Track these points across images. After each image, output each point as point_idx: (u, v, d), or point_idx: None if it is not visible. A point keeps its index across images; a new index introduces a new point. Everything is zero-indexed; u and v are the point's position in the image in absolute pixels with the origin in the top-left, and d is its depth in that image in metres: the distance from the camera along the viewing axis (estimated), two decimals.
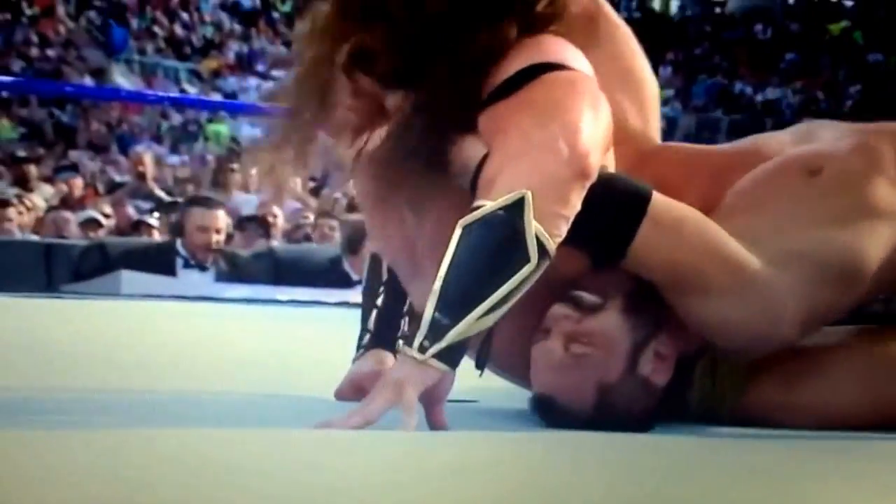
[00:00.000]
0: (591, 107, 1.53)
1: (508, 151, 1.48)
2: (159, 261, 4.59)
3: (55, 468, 0.93)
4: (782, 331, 1.63)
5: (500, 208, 1.43)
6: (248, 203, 6.82)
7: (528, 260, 1.43)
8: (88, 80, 14.39)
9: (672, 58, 18.18)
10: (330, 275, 4.46)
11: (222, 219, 4.80)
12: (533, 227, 1.43)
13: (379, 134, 1.61)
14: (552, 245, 1.45)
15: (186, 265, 4.68)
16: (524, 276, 1.43)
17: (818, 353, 1.73)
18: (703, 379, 1.73)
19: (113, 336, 2.68)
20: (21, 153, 9.05)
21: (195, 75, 15.89)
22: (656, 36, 16.57)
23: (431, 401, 1.46)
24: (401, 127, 1.58)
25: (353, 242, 4.49)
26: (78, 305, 3.33)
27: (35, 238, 5.46)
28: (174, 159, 11.37)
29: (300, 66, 1.64)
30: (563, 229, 1.47)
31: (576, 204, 1.48)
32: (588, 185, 1.49)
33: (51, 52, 14.99)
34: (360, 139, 1.62)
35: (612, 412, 1.60)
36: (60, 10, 16.37)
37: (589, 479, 1.05)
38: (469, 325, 1.41)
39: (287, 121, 1.63)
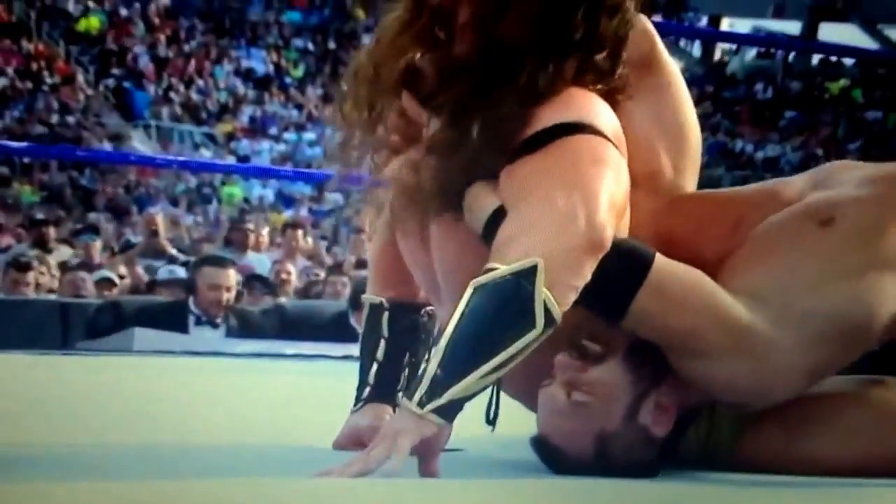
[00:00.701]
0: (613, 177, 1.54)
1: (527, 216, 1.49)
2: (172, 318, 4.60)
3: None
4: (785, 388, 1.62)
5: (512, 273, 1.44)
6: (260, 262, 6.85)
7: (533, 326, 1.44)
8: (107, 145, 14.53)
9: None
10: (337, 329, 4.48)
11: (233, 277, 4.83)
12: (542, 295, 1.44)
13: (410, 158, 1.63)
14: (559, 313, 1.45)
15: (198, 322, 4.70)
16: (528, 341, 1.44)
17: (819, 401, 1.70)
18: (700, 427, 1.70)
19: (124, 390, 2.70)
20: (40, 216, 9.10)
21: (210, 139, 16.05)
22: None
23: (427, 453, 1.45)
24: (434, 159, 1.59)
25: (360, 298, 4.51)
26: (91, 362, 3.35)
27: (51, 297, 5.49)
28: (189, 220, 11.44)
29: (356, 77, 1.66)
30: (572, 298, 1.47)
31: (587, 275, 1.48)
32: (601, 256, 1.50)
33: (70, 119, 15.17)
34: (393, 160, 1.65)
35: (611, 460, 1.59)
36: (80, 78, 16.59)
37: None
38: (469, 384, 1.42)
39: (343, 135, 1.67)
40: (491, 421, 1.55)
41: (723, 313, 1.58)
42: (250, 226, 7.16)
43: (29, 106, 15.31)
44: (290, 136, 16.60)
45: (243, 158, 15.06)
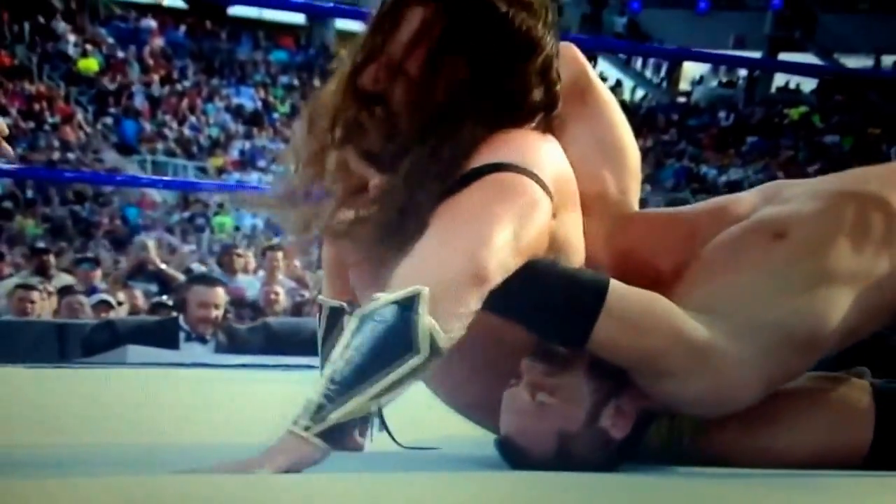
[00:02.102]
0: (520, 215, 1.50)
1: (418, 250, 1.47)
2: (163, 335, 4.61)
3: None
4: (746, 398, 1.61)
5: (394, 301, 1.41)
6: (250, 284, 6.86)
7: (417, 352, 1.40)
8: None
9: (642, 144, 18.32)
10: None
11: (221, 295, 4.84)
12: (426, 321, 1.40)
13: (355, 208, 1.60)
14: (444, 340, 1.41)
15: (188, 339, 4.71)
16: (412, 367, 1.40)
17: (776, 398, 1.69)
18: (660, 428, 1.70)
19: (116, 397, 2.71)
20: (41, 245, 9.10)
21: (202, 172, 16.06)
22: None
23: (298, 469, 1.39)
24: (377, 207, 1.58)
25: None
26: (87, 373, 3.36)
27: (49, 319, 5.50)
28: (184, 248, 11.44)
29: (304, 133, 1.63)
30: (457, 327, 1.43)
31: (472, 306, 1.44)
32: (486, 290, 1.46)
33: (71, 155, 15.17)
34: (339, 211, 1.62)
35: (571, 458, 1.59)
36: (79, 117, 16.59)
37: None
38: (353, 409, 1.38)
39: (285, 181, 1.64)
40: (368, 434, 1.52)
41: (683, 334, 1.56)
42: (239, 250, 7.18)
43: (31, 144, 15.31)
44: (278, 168, 16.49)
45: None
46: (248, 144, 17.47)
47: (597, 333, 1.54)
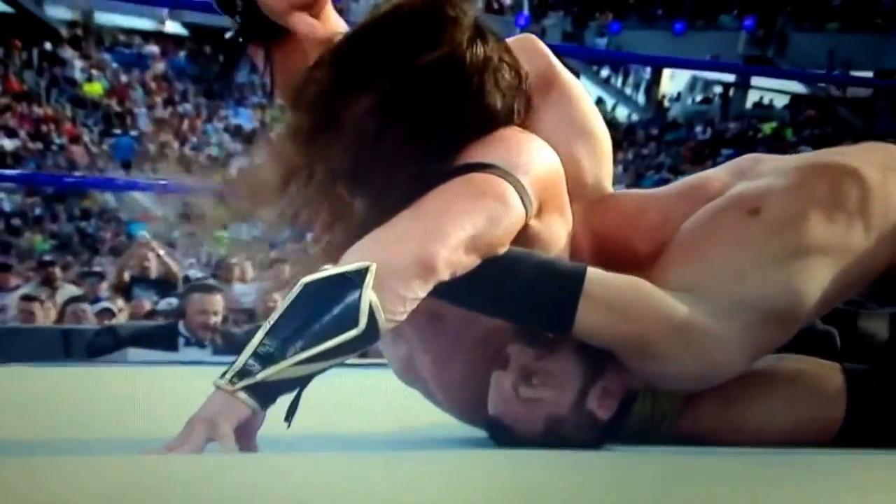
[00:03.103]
0: (485, 214, 1.45)
1: (373, 234, 1.42)
2: (163, 340, 4.62)
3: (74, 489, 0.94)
4: (726, 372, 1.60)
5: (341, 272, 1.37)
6: (246, 293, 6.86)
7: (356, 325, 1.34)
8: (110, 197, 14.53)
9: (623, 158, 18.43)
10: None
11: (219, 302, 4.86)
12: (369, 296, 1.35)
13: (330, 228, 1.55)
14: (384, 320, 1.36)
15: (187, 343, 4.73)
16: (347, 339, 1.34)
17: (753, 377, 1.67)
18: (644, 400, 1.68)
19: (117, 388, 2.71)
20: (48, 257, 9.10)
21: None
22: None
23: (240, 437, 1.32)
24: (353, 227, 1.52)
25: None
26: (89, 371, 3.37)
27: (53, 325, 5.52)
28: (185, 261, 11.42)
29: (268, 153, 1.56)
30: (400, 309, 1.38)
31: (417, 292, 1.40)
32: (433, 281, 1.40)
33: (77, 174, 15.17)
34: (320, 233, 1.56)
35: (558, 439, 1.57)
36: (86, 139, 16.59)
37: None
38: (282, 368, 1.31)
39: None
40: (288, 418, 1.44)
41: (665, 315, 1.53)
42: (234, 260, 7.18)
43: (39, 164, 15.31)
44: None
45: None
46: (246, 162, 17.48)
47: (581, 320, 1.51)
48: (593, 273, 1.52)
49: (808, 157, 1.73)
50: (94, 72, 18.04)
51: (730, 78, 19.94)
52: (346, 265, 1.37)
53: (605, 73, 20.95)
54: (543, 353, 1.56)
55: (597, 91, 20.73)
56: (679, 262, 1.60)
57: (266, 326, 1.35)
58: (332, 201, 1.53)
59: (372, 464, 1.23)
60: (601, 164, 1.72)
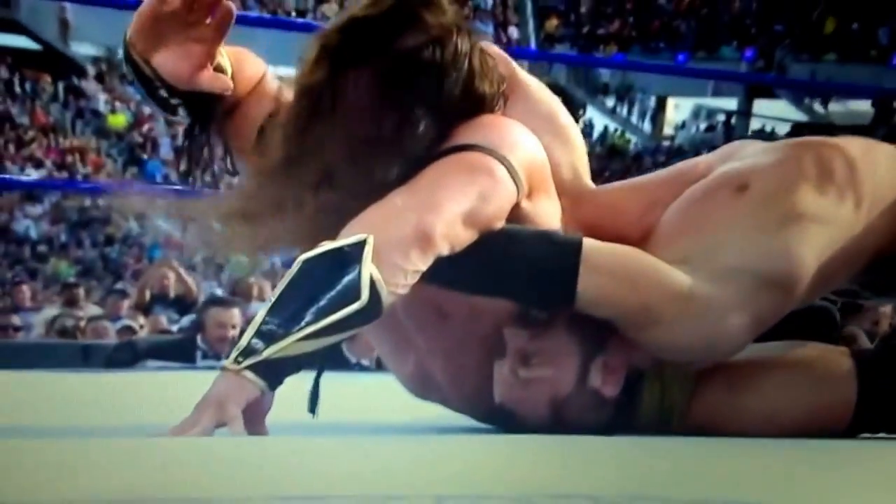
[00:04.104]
0: (479, 191, 1.43)
1: (369, 210, 1.39)
2: (181, 353, 4.59)
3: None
4: (730, 341, 1.54)
5: (339, 247, 1.34)
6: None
7: (358, 297, 1.31)
8: (134, 224, 14.51)
9: None
10: (331, 358, 4.43)
11: (237, 316, 4.82)
12: (369, 268, 1.32)
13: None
14: (386, 293, 1.33)
15: (205, 356, 4.67)
16: (351, 312, 1.30)
17: (761, 364, 1.63)
18: (653, 388, 1.62)
19: (133, 390, 2.67)
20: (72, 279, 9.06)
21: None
22: (618, 166, 16.78)
23: (250, 420, 1.31)
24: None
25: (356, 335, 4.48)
26: (106, 377, 3.34)
27: (74, 341, 5.47)
28: (205, 284, 11.39)
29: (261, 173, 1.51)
30: (401, 281, 1.35)
31: (417, 264, 1.37)
32: (431, 254, 1.38)
33: (101, 202, 15.17)
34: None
35: (566, 423, 1.52)
36: (109, 168, 16.62)
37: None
38: (287, 345, 1.28)
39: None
40: (312, 408, 1.43)
41: (667, 282, 1.50)
42: (252, 279, 7.16)
43: (65, 192, 15.33)
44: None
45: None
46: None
47: (583, 290, 1.46)
48: (590, 242, 1.49)
49: (792, 139, 1.70)
50: (118, 104, 18.08)
51: (732, 106, 19.92)
52: (343, 239, 1.34)
53: (610, 102, 20.97)
54: (538, 333, 1.52)
55: (603, 120, 20.75)
56: (669, 242, 1.57)
57: (268, 304, 1.31)
58: (321, 202, 1.47)
59: (381, 446, 1.20)
60: (576, 158, 1.70)
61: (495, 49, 1.69)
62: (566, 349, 1.53)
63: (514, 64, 1.72)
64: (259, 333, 1.29)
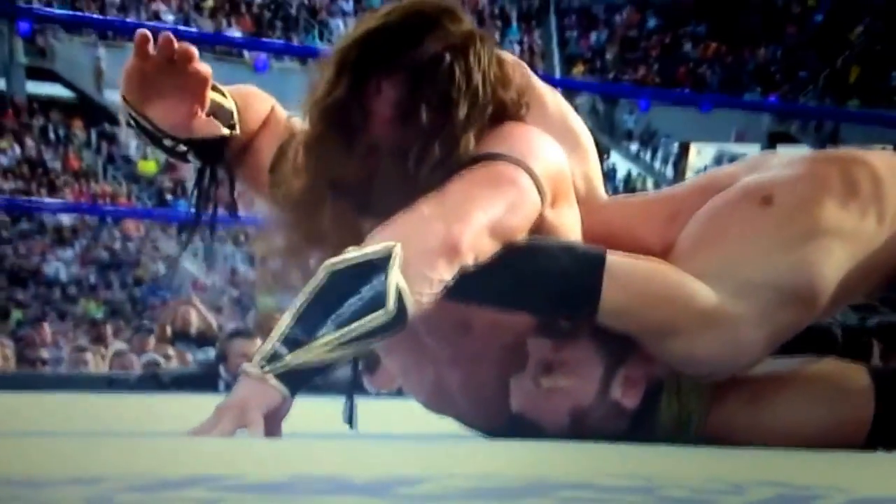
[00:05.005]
0: (504, 201, 1.42)
1: (396, 219, 1.38)
2: (204, 384, 4.60)
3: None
4: (749, 355, 1.54)
5: (366, 255, 1.31)
6: None
7: (383, 307, 1.29)
8: (161, 267, 14.63)
9: None
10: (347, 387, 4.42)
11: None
12: (396, 278, 1.30)
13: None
14: (411, 302, 1.31)
15: (227, 387, 4.65)
16: (376, 321, 1.29)
17: (780, 378, 1.62)
18: (671, 400, 1.60)
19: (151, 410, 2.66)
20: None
21: (250, 258, 16.16)
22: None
23: (268, 423, 1.29)
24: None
25: (371, 363, 4.46)
26: (131, 399, 3.35)
27: (101, 372, 5.50)
28: (231, 325, 11.41)
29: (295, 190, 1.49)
30: (427, 291, 1.33)
31: (443, 275, 1.35)
32: (457, 264, 1.36)
33: (131, 245, 15.32)
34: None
35: (584, 433, 1.51)
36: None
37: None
38: (312, 352, 1.27)
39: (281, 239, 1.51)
40: (350, 421, 1.43)
41: (687, 293, 1.49)
42: (277, 315, 7.19)
43: (95, 236, 15.47)
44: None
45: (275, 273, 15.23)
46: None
47: (604, 301, 1.45)
48: (613, 254, 1.48)
49: (817, 151, 1.70)
50: (149, 150, 18.28)
51: (755, 152, 19.87)
52: (370, 248, 1.32)
53: (633, 147, 21.02)
54: (561, 344, 1.51)
55: (626, 165, 20.77)
56: (691, 253, 1.55)
57: (292, 311, 1.29)
58: (344, 217, 1.47)
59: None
60: (588, 166, 1.69)
61: (511, 56, 1.68)
62: (589, 360, 1.52)
63: (529, 71, 1.71)
64: (284, 340, 1.27)
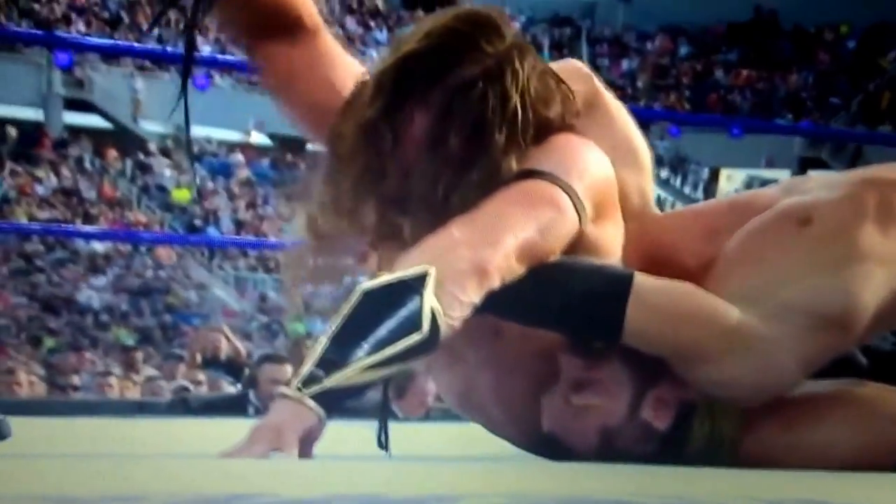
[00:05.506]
0: (539, 222, 1.41)
1: (428, 240, 1.39)
2: (233, 409, 4.59)
3: None
4: (782, 380, 1.53)
5: (401, 278, 1.33)
6: None
7: (418, 329, 1.31)
8: (193, 295, 14.71)
9: None
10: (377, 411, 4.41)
11: (289, 372, 4.82)
12: (430, 301, 1.32)
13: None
14: (445, 325, 1.32)
15: (257, 412, 4.65)
16: (411, 344, 1.31)
17: (815, 399, 1.60)
18: (704, 421, 1.59)
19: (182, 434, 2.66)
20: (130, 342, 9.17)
21: (280, 284, 16.23)
22: None
23: (301, 445, 1.30)
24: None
25: (400, 388, 4.45)
26: (159, 422, 3.35)
27: (129, 398, 5.51)
28: (260, 351, 11.44)
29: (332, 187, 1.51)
30: (457, 314, 1.34)
31: (472, 297, 1.36)
32: (487, 287, 1.36)
33: (162, 273, 15.42)
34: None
35: (614, 454, 1.50)
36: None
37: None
38: (350, 374, 1.28)
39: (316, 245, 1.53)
40: (383, 444, 1.43)
41: (717, 318, 1.48)
42: (308, 342, 7.22)
43: (127, 265, 15.58)
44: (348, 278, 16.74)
45: (307, 301, 15.28)
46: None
47: (630, 324, 1.44)
48: (642, 277, 1.47)
49: (857, 171, 1.68)
50: (182, 178, 18.43)
51: (785, 176, 19.76)
52: (404, 271, 1.33)
53: (664, 174, 20.96)
54: (592, 363, 1.50)
55: (656, 190, 20.67)
56: (728, 273, 1.54)
57: (328, 334, 1.31)
58: (383, 225, 1.49)
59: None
60: (644, 182, 1.69)
61: (575, 64, 1.68)
62: (620, 380, 1.51)
63: (596, 80, 1.70)
64: (320, 362, 1.28)
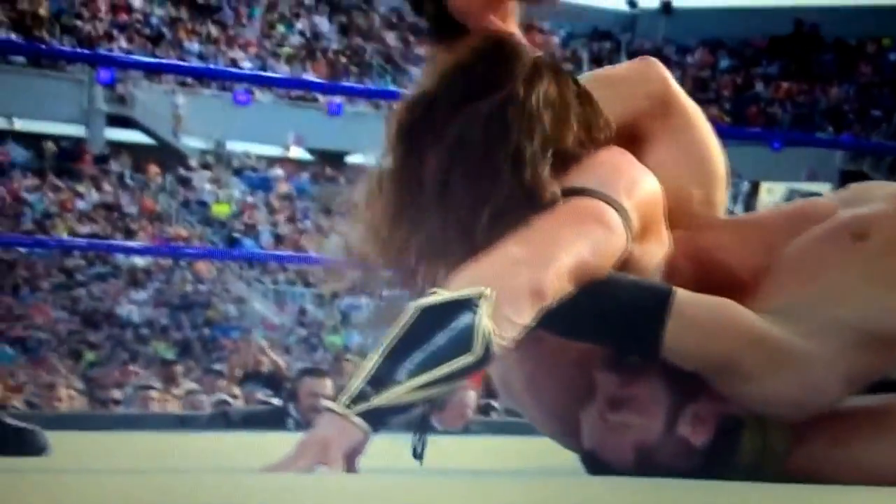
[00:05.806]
0: (590, 241, 1.41)
1: (482, 258, 1.38)
2: (273, 422, 4.61)
3: None
4: (823, 398, 1.50)
5: (456, 298, 1.32)
6: None
7: (470, 350, 1.30)
8: (232, 308, 14.80)
9: None
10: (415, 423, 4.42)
11: (329, 386, 4.85)
12: (486, 323, 1.31)
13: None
14: (497, 346, 1.32)
15: (297, 426, 4.66)
16: (463, 365, 1.30)
17: (864, 415, 1.58)
18: (755, 435, 1.57)
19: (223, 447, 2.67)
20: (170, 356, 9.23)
21: (318, 297, 16.28)
22: None
23: (346, 461, 1.30)
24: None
25: (441, 400, 4.44)
26: (199, 436, 3.37)
27: (169, 412, 5.56)
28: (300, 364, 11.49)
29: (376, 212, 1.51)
30: (510, 335, 1.34)
31: (527, 318, 1.36)
32: (540, 308, 1.36)
33: (202, 287, 15.54)
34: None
35: (653, 470, 1.49)
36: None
37: None
38: (398, 393, 1.28)
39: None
40: (418, 455, 1.43)
41: (755, 334, 1.46)
42: (349, 356, 7.26)
43: (167, 279, 15.70)
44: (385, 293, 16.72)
45: (346, 312, 15.27)
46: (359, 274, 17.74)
47: (668, 340, 1.43)
48: (681, 293, 1.46)
49: None
50: (222, 193, 18.57)
51: (826, 189, 19.56)
52: (460, 290, 1.32)
53: None
54: (629, 380, 1.50)
55: None
56: (781, 286, 1.53)
57: (380, 350, 1.30)
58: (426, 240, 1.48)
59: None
60: (713, 190, 1.65)
61: (650, 66, 1.63)
62: (656, 397, 1.50)
63: (671, 83, 1.66)
64: (370, 379, 1.28)
